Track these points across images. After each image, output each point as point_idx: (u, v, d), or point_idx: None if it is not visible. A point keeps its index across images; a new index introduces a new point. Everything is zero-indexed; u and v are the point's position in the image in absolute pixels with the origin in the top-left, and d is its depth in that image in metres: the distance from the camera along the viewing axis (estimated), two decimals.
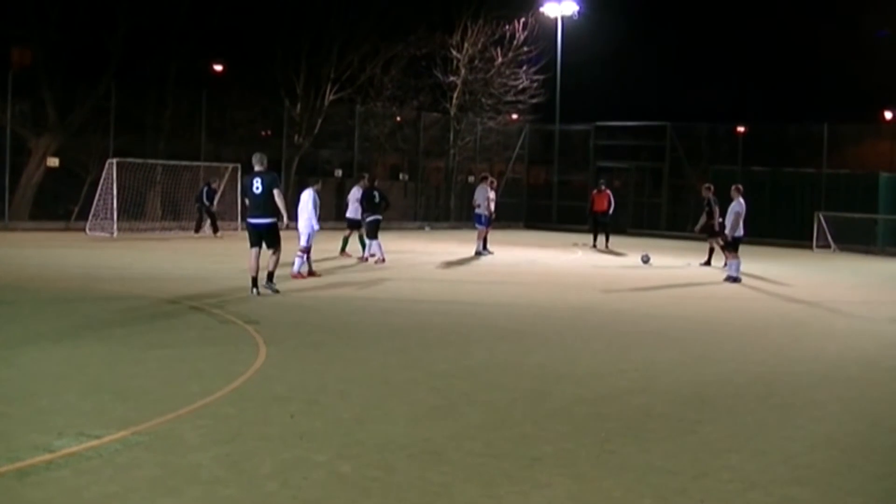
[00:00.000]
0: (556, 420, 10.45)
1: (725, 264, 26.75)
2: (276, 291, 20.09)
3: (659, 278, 26.83)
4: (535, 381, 12.40)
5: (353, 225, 29.26)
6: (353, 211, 28.97)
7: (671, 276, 27.60)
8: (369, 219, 27.86)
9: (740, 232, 25.92)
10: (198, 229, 37.30)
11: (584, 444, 9.53)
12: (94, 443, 8.73)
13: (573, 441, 9.61)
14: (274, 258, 20.09)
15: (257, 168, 20.18)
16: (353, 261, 27.86)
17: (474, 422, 10.23)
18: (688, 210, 43.39)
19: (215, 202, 37.93)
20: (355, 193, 29.03)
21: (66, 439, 8.77)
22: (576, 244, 39.14)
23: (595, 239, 37.68)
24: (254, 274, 19.83)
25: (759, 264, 30.96)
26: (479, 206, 32.20)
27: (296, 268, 23.16)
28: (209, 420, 9.74)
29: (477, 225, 32.49)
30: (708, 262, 30.48)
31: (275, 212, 19.86)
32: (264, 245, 19.88)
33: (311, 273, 23.35)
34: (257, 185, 19.84)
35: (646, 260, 30.38)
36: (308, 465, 8.43)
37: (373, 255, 27.65)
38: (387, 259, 27.65)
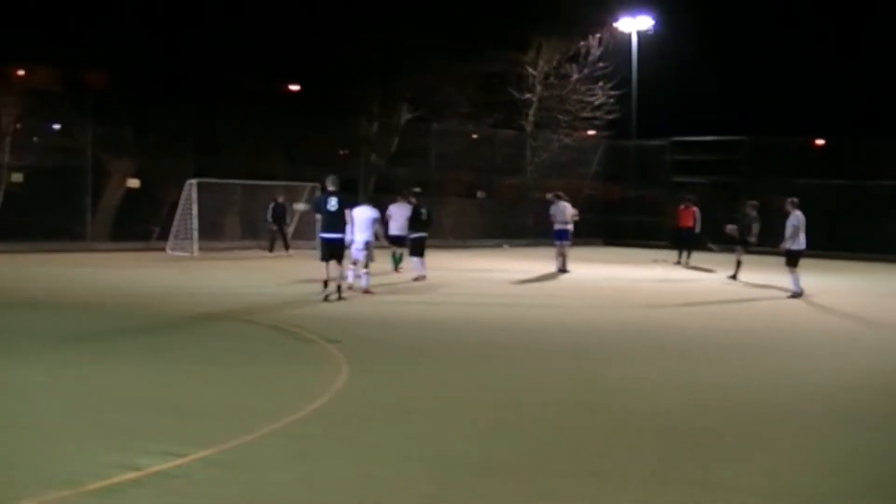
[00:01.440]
0: (621, 436, 10.41)
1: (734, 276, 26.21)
2: (343, 299, 21.73)
3: (734, 294, 26.59)
4: (606, 398, 12.37)
5: (397, 242, 29.01)
6: (397, 228, 28.71)
7: (747, 291, 27.33)
8: (414, 236, 27.83)
9: (801, 245, 25.53)
10: (271, 249, 37.39)
11: (646, 460, 9.48)
12: (179, 461, 8.79)
13: (640, 457, 9.56)
14: (342, 271, 22.03)
15: (331, 188, 22.17)
16: (401, 276, 27.88)
17: (541, 439, 10.22)
18: (767, 224, 42.92)
19: (287, 219, 38.01)
20: (399, 210, 28.86)
21: (151, 458, 8.82)
22: (656, 260, 38.85)
23: (679, 255, 37.38)
24: (325, 279, 21.78)
25: (836, 279, 30.62)
26: (564, 222, 31.97)
27: (364, 283, 23.62)
28: (291, 439, 9.79)
29: (562, 242, 32.23)
30: (734, 276, 30.23)
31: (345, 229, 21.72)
32: (335, 258, 21.80)
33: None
34: (332, 204, 21.63)
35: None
36: (385, 483, 8.46)
37: (421, 276, 27.59)
38: (428, 276, 27.57)
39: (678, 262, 36.74)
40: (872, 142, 46.56)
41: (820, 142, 51.62)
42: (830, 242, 37.49)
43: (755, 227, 28.82)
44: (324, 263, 21.85)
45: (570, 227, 32.04)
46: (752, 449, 10.07)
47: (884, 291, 29.01)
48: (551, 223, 32.67)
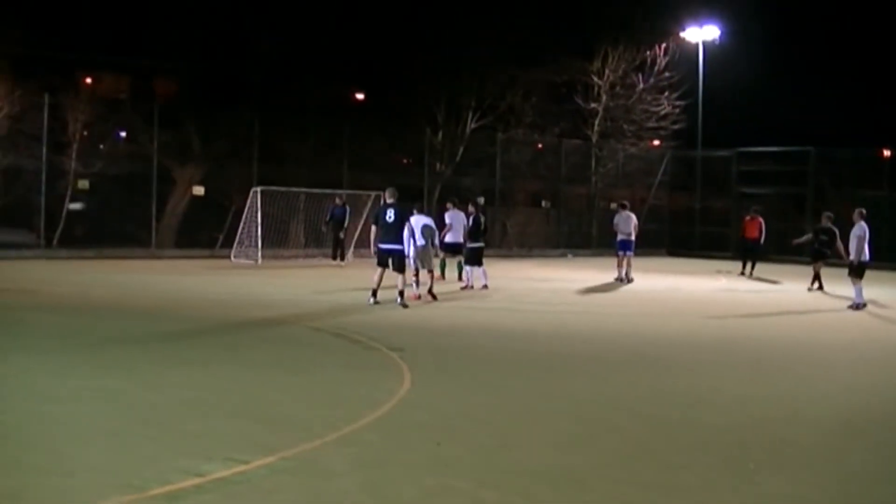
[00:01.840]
0: (698, 449, 10.32)
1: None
2: (405, 306, 22.20)
3: (802, 304, 26.40)
4: (678, 409, 12.24)
5: (453, 250, 28.52)
6: (453, 236, 28.13)
7: (815, 302, 27.10)
8: (472, 245, 27.73)
9: (865, 257, 25.22)
10: (334, 256, 37.09)
11: (727, 473, 9.40)
12: (242, 468, 8.81)
13: (716, 470, 9.48)
14: (401, 279, 22.41)
15: (390, 200, 22.86)
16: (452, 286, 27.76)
17: (616, 450, 10.15)
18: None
19: (346, 223, 37.46)
20: (457, 217, 28.57)
21: (214, 464, 8.86)
22: (719, 271, 38.65)
23: (744, 266, 37.12)
24: (375, 287, 22.54)
25: None
26: (629, 232, 31.82)
27: (415, 289, 24.13)
28: (354, 447, 9.77)
29: (626, 252, 32.04)
30: (820, 287, 30.01)
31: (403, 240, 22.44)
32: (390, 267, 22.45)
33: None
34: (390, 215, 22.30)
35: None
36: (451, 493, 8.41)
37: (483, 285, 27.44)
38: (490, 285, 27.53)
39: (742, 273, 36.49)
40: None
41: (888, 153, 51.08)
42: None
43: (838, 241, 28.43)
44: (379, 269, 22.61)
45: (633, 237, 31.87)
46: (825, 462, 10.00)
47: None
48: (615, 233, 32.55)
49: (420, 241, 23.98)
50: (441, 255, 28.22)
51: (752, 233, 36.85)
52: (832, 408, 12.69)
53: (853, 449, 10.57)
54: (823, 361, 16.83)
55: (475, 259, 27.62)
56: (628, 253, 31.90)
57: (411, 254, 23.74)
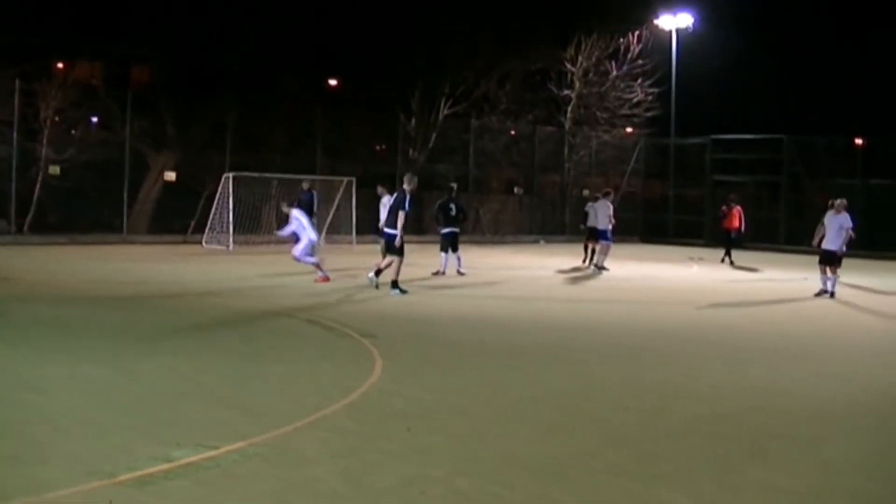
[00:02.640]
0: (676, 438, 10.28)
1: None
2: (404, 291, 22.38)
3: (776, 293, 26.43)
4: (655, 399, 12.18)
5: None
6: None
7: (789, 290, 27.13)
8: (446, 231, 27.70)
9: (844, 248, 25.10)
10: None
11: (704, 462, 9.38)
12: (212, 453, 8.74)
13: (694, 460, 9.46)
14: (392, 266, 22.62)
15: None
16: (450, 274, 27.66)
17: (594, 440, 10.10)
18: (807, 224, 42.70)
19: (315, 208, 36.50)
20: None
21: (184, 450, 8.79)
22: (691, 258, 38.73)
23: (725, 255, 36.96)
24: (378, 267, 23.20)
25: (880, 279, 30.35)
26: (606, 220, 31.72)
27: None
28: (327, 434, 9.71)
29: (604, 241, 31.96)
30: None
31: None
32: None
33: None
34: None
35: None
36: (426, 481, 8.35)
37: (458, 271, 27.50)
38: (465, 273, 27.54)
39: (723, 261, 36.38)
40: None
41: (860, 141, 51.26)
42: (869, 242, 37.09)
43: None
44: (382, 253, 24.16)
45: (603, 226, 31.75)
46: (801, 451, 9.98)
47: None
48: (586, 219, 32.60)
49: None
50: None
51: (732, 222, 36.81)
52: (808, 397, 12.65)
53: (830, 438, 10.55)
54: (800, 350, 16.80)
55: (450, 245, 27.56)
56: (605, 242, 31.76)
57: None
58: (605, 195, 33.20)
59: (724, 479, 8.83)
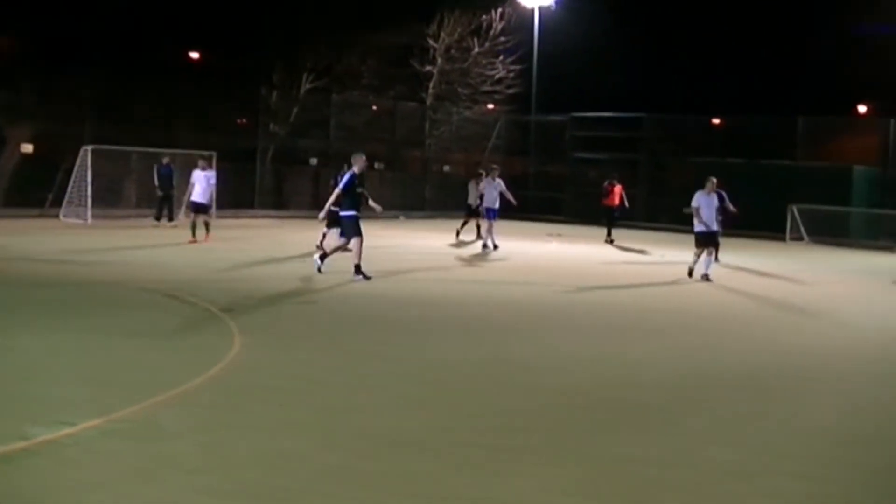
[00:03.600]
0: (541, 411, 10.44)
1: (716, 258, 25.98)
2: (368, 277, 21.05)
3: (636, 271, 26.81)
4: (523, 372, 12.36)
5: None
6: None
7: (648, 269, 27.51)
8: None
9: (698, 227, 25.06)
10: (158, 217, 35.98)
11: (569, 434, 9.54)
12: (71, 430, 8.63)
13: (559, 432, 9.61)
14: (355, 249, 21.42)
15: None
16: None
17: (462, 413, 10.20)
18: (666, 202, 43.34)
19: (175, 182, 36.43)
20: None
21: (41, 427, 8.65)
22: (549, 234, 39.08)
23: (608, 234, 36.99)
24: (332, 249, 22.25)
25: (735, 256, 30.88)
26: (494, 199, 31.72)
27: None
28: (186, 408, 9.67)
29: (490, 219, 31.93)
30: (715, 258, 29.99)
31: (342, 205, 21.62)
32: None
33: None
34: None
35: None
36: (289, 454, 8.37)
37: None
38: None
39: (607, 241, 36.38)
40: (767, 122, 47.18)
41: (718, 121, 52.15)
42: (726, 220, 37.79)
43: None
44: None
45: (496, 204, 31.78)
46: (662, 422, 10.19)
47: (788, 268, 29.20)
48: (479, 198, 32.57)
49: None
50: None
51: (612, 200, 36.99)
52: (668, 370, 12.89)
53: (687, 411, 10.75)
54: (661, 326, 17.08)
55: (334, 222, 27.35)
56: (489, 220, 31.67)
57: None
58: (493, 172, 33.02)
59: (587, 451, 8.99)
